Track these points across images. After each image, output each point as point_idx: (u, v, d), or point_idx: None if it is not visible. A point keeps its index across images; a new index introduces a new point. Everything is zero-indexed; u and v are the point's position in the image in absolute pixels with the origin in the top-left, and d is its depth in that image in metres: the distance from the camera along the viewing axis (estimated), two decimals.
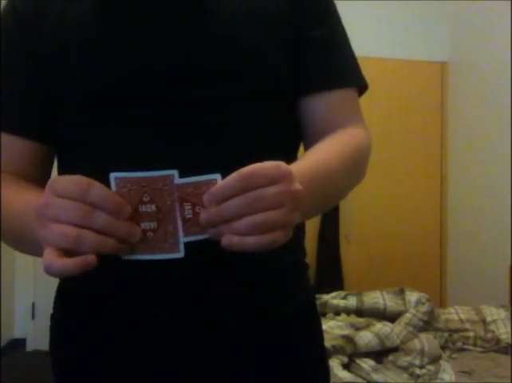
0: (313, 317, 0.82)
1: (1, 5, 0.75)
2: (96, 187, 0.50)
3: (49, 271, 0.49)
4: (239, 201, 0.49)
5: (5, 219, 0.64)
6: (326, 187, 0.66)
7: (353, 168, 0.73)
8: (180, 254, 0.54)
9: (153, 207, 0.52)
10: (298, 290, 0.80)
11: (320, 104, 0.75)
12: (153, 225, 0.53)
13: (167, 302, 0.71)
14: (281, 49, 0.73)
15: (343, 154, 0.70)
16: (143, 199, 0.52)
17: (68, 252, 0.50)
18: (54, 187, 0.51)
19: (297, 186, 0.52)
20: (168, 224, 0.53)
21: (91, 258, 0.49)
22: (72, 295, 0.78)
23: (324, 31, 0.75)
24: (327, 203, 0.73)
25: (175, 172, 0.51)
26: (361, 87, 0.80)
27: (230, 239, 0.50)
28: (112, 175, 0.51)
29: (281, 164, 0.51)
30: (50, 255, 0.50)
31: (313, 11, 0.75)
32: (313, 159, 0.67)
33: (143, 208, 0.52)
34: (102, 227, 0.50)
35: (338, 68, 0.77)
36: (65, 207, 0.50)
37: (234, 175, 0.50)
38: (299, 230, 0.81)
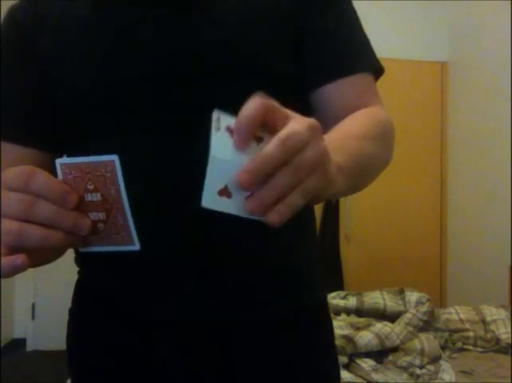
0: (322, 316, 0.82)
1: (2, 14, 0.76)
2: (40, 175, 0.46)
3: None
4: (287, 174, 0.41)
5: None
6: (358, 158, 0.58)
7: (381, 139, 0.68)
8: (135, 246, 0.50)
9: (98, 196, 0.48)
10: (303, 289, 0.79)
11: (335, 93, 0.73)
12: (102, 215, 0.49)
13: (167, 301, 0.71)
14: (284, 47, 0.72)
15: (368, 127, 0.66)
16: (88, 186, 0.48)
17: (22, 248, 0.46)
18: (3, 180, 0.47)
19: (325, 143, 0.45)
20: (117, 215, 0.48)
21: (20, 260, 0.44)
22: (87, 292, 0.79)
23: (328, 21, 0.74)
24: (361, 175, 0.64)
25: (115, 157, 0.46)
26: (375, 71, 0.78)
27: (280, 216, 0.41)
28: (58, 162, 0.47)
29: (312, 122, 0.44)
30: None
31: (314, 3, 0.74)
32: (340, 132, 0.63)
33: (88, 197, 0.48)
34: (46, 218, 0.46)
35: (347, 55, 0.75)
36: (10, 200, 0.46)
37: (273, 143, 0.41)
38: (305, 230, 0.81)
